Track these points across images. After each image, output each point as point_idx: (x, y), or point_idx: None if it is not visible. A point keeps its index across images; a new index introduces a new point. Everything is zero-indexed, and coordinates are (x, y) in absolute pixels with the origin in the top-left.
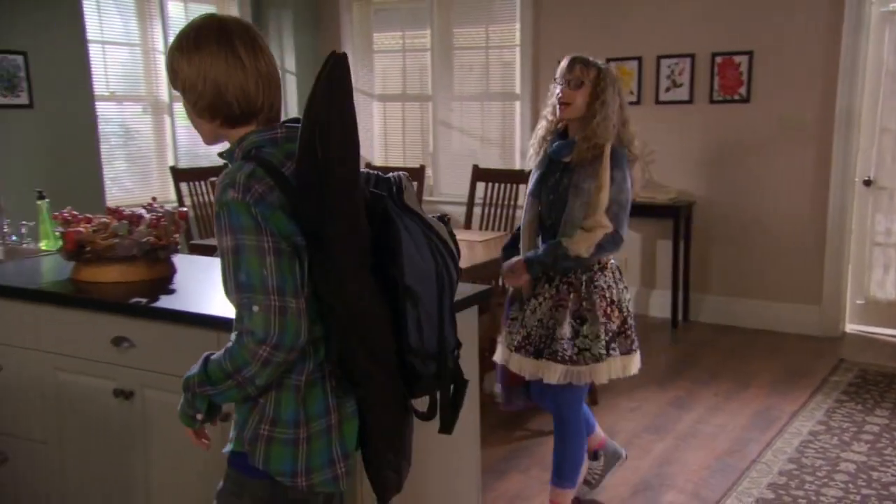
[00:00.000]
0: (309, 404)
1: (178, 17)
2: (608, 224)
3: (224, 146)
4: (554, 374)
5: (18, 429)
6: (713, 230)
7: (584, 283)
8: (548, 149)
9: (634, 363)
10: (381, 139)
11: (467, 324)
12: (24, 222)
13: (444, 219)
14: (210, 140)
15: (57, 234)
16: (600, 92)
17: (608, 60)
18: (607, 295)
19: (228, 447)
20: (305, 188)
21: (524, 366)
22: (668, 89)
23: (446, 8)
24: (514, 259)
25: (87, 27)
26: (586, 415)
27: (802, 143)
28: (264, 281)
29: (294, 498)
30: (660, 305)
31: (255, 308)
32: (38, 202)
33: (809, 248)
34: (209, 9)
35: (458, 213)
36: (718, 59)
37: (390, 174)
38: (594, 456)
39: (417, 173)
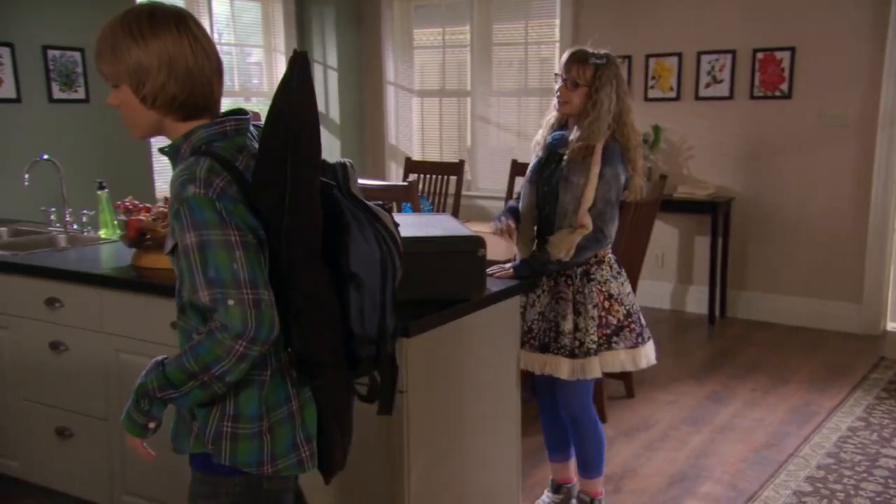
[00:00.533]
0: (270, 396)
1: (224, 14)
2: (588, 224)
3: (160, 141)
4: (563, 369)
5: (82, 406)
6: (752, 226)
7: (578, 276)
8: (548, 140)
9: (644, 356)
10: (418, 134)
11: (510, 314)
12: (84, 211)
13: (387, 207)
14: (146, 134)
15: (117, 222)
16: (594, 92)
17: (648, 57)
18: (604, 289)
19: (187, 450)
20: (266, 185)
21: (530, 360)
22: (707, 85)
23: (486, 4)
24: (504, 266)
25: None
26: (600, 452)
27: (844, 139)
28: (236, 275)
29: (269, 487)
30: (697, 301)
31: (231, 302)
32: (99, 192)
33: (850, 245)
34: (254, 5)
35: (496, 207)
36: (760, 55)
37: (335, 161)
38: (556, 488)
39: (456, 168)
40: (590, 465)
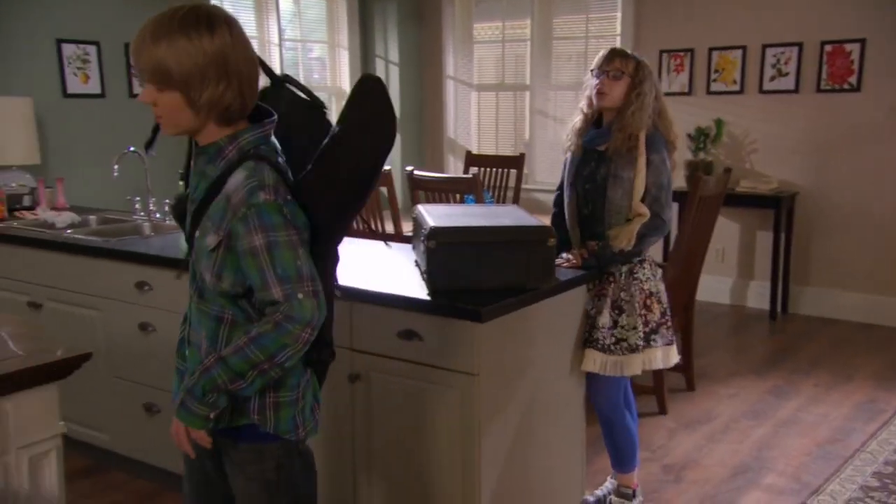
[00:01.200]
0: (298, 366)
1: (290, 10)
2: (645, 212)
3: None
4: (595, 362)
5: (168, 384)
6: (816, 221)
7: (623, 275)
8: (583, 139)
9: (674, 353)
10: (476, 128)
11: (576, 303)
12: (167, 201)
13: None
14: (180, 133)
15: None
16: (638, 83)
17: (711, 50)
18: (646, 287)
19: (223, 424)
20: (318, 194)
21: None
22: (772, 78)
23: None
24: (570, 257)
25: None
26: (633, 449)
27: None
28: (300, 270)
29: (301, 450)
30: (758, 296)
31: (301, 296)
32: (180, 182)
33: None
34: (319, 2)
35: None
36: (828, 48)
37: None
38: (633, 494)
39: (516, 161)
40: (623, 460)
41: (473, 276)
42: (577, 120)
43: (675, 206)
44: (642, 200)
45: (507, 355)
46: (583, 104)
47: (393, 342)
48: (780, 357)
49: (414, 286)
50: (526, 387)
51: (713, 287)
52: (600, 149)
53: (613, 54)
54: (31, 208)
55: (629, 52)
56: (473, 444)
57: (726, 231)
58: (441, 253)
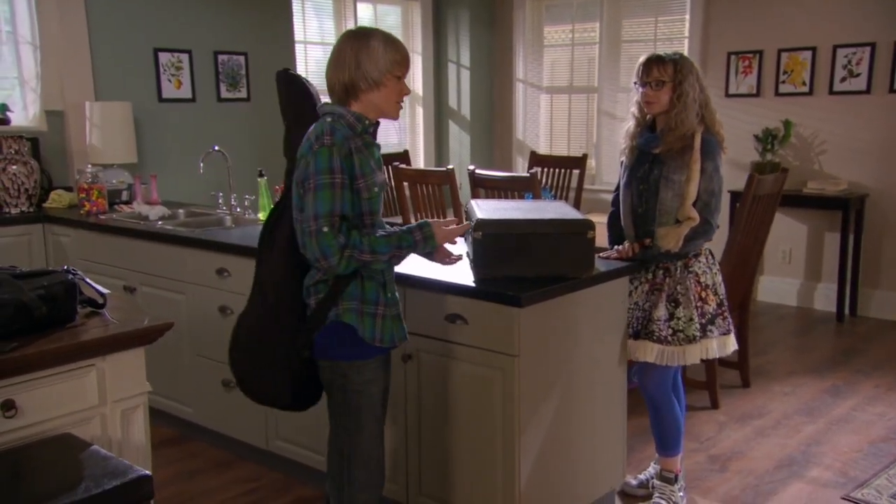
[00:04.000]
0: None
1: (368, 17)
2: (696, 216)
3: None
4: (650, 353)
5: None
6: (887, 224)
7: (678, 269)
8: (637, 142)
9: (732, 342)
10: (545, 129)
11: (618, 294)
12: (247, 196)
13: None
14: None
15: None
16: (677, 85)
17: (780, 51)
18: (701, 280)
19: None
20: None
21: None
22: (843, 79)
23: (616, 1)
24: (618, 249)
25: (294, 29)
26: (678, 434)
27: None
28: None
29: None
30: (825, 299)
31: None
32: (259, 179)
33: None
34: (395, 10)
35: None
36: None
37: None
38: (675, 479)
39: (579, 162)
40: (668, 444)
41: (517, 265)
42: (630, 124)
43: (728, 205)
44: (693, 205)
45: (547, 339)
46: (633, 109)
47: (441, 325)
48: (843, 358)
49: (462, 274)
50: (567, 371)
51: (779, 288)
52: (655, 151)
53: (650, 64)
54: (128, 202)
55: (664, 55)
56: (514, 421)
57: (793, 232)
58: (486, 243)
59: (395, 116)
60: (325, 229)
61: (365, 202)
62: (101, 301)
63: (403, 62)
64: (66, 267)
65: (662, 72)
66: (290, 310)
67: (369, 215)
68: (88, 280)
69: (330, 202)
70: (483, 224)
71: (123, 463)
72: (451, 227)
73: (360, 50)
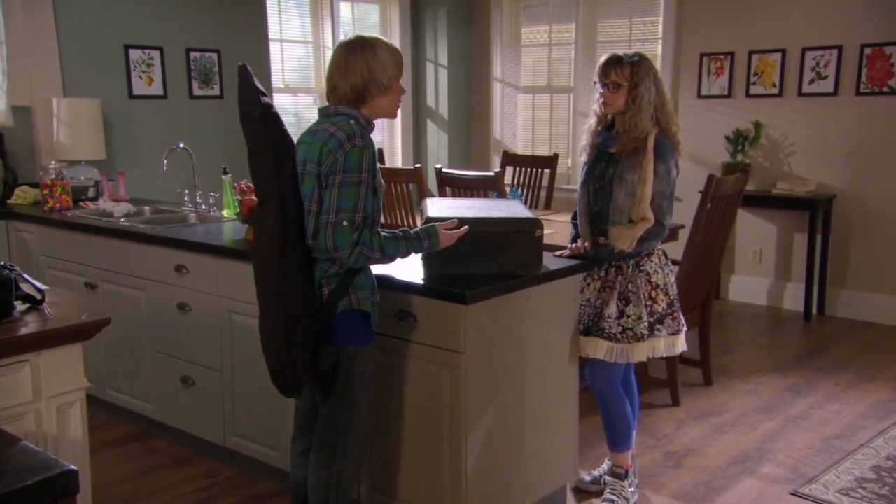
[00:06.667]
0: None
1: (347, 16)
2: (650, 217)
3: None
4: (600, 349)
5: (202, 359)
6: (854, 224)
7: (630, 268)
8: (597, 140)
9: (680, 343)
10: (523, 129)
11: (568, 292)
12: (211, 193)
13: None
14: None
15: (235, 202)
16: (633, 87)
17: (751, 53)
18: (652, 279)
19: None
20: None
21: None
22: (811, 81)
23: (592, 2)
24: (570, 248)
25: (269, 27)
26: (627, 429)
27: None
28: None
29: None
30: (794, 298)
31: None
32: (223, 177)
33: None
34: (374, 9)
35: None
36: (868, 51)
37: None
38: (626, 475)
39: (550, 161)
40: (617, 440)
41: (466, 263)
42: (591, 122)
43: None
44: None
45: (494, 336)
46: (595, 107)
47: (392, 322)
48: (807, 357)
49: (412, 272)
50: (516, 367)
51: (749, 288)
52: (610, 151)
53: (608, 65)
54: (94, 199)
55: (623, 56)
56: (461, 417)
57: (763, 233)
58: None
59: (395, 116)
60: (345, 223)
61: (377, 200)
62: (38, 297)
63: (402, 64)
64: (2, 263)
65: (619, 74)
66: (311, 300)
67: (377, 213)
68: (26, 276)
69: (354, 199)
70: (432, 222)
71: (51, 458)
72: (453, 230)
73: (369, 59)
